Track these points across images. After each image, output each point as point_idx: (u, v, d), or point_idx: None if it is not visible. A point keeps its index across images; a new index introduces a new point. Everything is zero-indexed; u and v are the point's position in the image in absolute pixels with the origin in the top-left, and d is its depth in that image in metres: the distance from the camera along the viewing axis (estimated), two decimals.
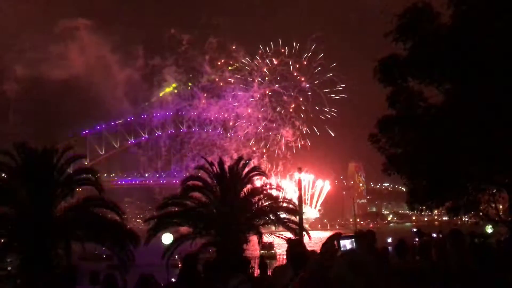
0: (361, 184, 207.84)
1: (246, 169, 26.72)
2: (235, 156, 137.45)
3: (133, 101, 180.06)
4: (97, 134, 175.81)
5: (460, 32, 16.95)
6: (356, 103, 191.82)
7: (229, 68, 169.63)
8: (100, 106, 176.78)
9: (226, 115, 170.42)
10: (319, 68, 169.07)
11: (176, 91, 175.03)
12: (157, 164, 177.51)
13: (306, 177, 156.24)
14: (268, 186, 27.97)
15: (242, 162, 27.05)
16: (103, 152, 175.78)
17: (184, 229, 26.40)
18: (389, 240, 49.04)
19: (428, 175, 18.38)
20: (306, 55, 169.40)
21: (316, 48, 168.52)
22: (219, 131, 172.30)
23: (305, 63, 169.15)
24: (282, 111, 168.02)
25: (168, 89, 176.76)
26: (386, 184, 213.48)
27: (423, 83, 18.97)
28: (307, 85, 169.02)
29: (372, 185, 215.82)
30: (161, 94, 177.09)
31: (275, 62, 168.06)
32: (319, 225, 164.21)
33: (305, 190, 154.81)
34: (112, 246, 22.40)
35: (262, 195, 26.31)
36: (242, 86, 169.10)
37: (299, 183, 36.32)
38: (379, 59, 19.09)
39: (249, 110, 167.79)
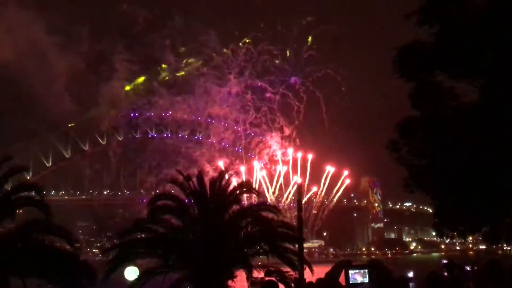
0: (376, 204, 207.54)
1: (233, 185, 26.69)
2: (208, 167, 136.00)
3: (76, 97, 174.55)
4: (43, 140, 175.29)
5: (501, 11, 17.04)
6: (367, 102, 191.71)
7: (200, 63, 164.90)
8: (37, 104, 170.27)
9: (195, 116, 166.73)
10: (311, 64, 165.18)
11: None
12: (107, 179, 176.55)
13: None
14: (259, 207, 27.91)
15: (227, 176, 27.04)
16: (51, 164, 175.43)
17: (152, 261, 26.32)
18: (410, 274, 48.85)
19: (460, 192, 18.43)
20: (295, 45, 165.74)
21: (306, 36, 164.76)
22: (185, 136, 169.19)
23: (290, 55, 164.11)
24: (268, 115, 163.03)
25: (139, 80, 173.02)
26: (408, 204, 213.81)
27: (454, 77, 19.05)
28: (298, 80, 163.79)
29: (391, 205, 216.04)
30: (128, 88, 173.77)
31: (254, 51, 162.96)
32: (316, 255, 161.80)
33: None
34: (61, 282, 22.31)
35: (252, 218, 26.29)
36: (215, 81, 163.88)
37: (298, 200, 35.86)
38: (399, 47, 19.17)
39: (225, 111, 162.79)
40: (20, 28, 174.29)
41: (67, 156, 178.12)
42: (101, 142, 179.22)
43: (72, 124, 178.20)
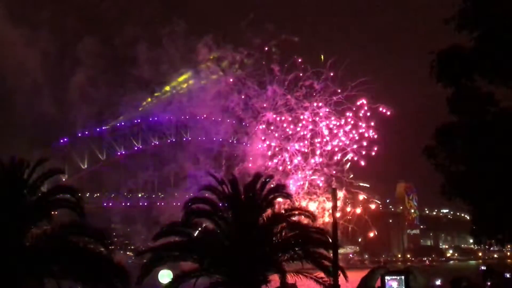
0: (412, 210, 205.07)
1: (266, 189, 26.63)
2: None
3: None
4: (78, 142, 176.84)
5: None
6: (404, 107, 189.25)
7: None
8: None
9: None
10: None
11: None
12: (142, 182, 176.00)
13: None
14: (294, 212, 27.80)
15: (261, 180, 26.98)
16: (86, 166, 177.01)
17: (186, 264, 26.40)
18: (438, 282, 48.16)
19: (498, 199, 18.20)
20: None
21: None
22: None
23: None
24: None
25: (181, 77, 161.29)
26: (445, 211, 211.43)
27: (494, 83, 18.85)
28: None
29: (427, 212, 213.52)
30: (167, 88, 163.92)
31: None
32: (351, 261, 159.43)
33: None
34: (95, 284, 22.47)
35: (286, 223, 26.21)
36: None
37: (333, 206, 35.29)
38: (437, 52, 19.03)
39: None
40: None
41: (102, 158, 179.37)
42: (137, 145, 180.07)
43: (108, 126, 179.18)
